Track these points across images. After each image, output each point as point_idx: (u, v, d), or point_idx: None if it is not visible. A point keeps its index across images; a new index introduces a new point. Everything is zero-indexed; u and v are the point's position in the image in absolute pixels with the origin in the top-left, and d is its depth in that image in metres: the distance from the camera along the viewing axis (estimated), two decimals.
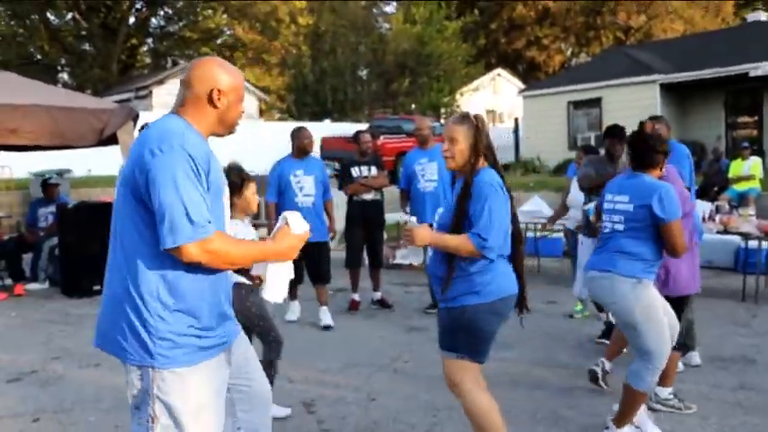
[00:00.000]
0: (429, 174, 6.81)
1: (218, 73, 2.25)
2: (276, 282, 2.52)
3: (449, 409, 4.10)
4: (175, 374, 2.12)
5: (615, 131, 5.55)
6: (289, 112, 32.02)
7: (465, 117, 3.11)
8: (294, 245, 2.36)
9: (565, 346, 5.64)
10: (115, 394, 4.41)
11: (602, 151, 5.82)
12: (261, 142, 18.66)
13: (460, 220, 3.01)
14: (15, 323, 6.73)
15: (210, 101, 2.24)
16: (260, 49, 36.10)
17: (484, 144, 3.07)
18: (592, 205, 5.40)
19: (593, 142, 18.14)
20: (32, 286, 8.35)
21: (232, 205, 2.95)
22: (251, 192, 3.60)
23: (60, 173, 15.65)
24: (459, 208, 3.02)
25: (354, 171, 7.01)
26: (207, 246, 2.08)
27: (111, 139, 8.03)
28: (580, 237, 6.04)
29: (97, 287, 7.73)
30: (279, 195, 6.39)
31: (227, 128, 2.31)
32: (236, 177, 3.52)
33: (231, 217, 2.60)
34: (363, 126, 20.53)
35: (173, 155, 2.08)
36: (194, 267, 2.13)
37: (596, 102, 19.96)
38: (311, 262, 6.40)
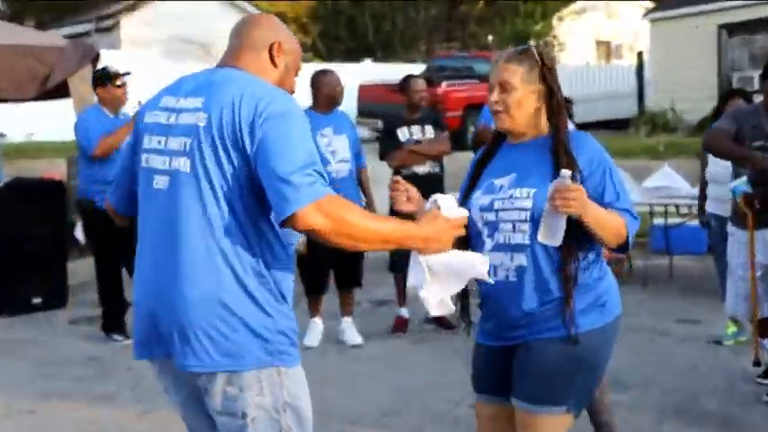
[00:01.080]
0: None
1: (281, 27, 2.77)
2: (433, 287, 2.71)
3: None
4: (298, 373, 2.61)
5: None
6: (314, 50, 32.17)
7: (523, 51, 3.09)
8: (447, 232, 2.63)
9: (709, 387, 5.57)
10: None
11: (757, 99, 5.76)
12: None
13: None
14: None
15: (271, 57, 2.69)
16: None
17: (556, 93, 3.06)
18: (741, 181, 5.30)
19: (756, 85, 17.73)
20: None
21: None
22: None
23: None
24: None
25: (402, 133, 7.08)
26: (325, 207, 2.39)
27: (60, 91, 8.17)
28: (729, 227, 5.88)
29: (38, 300, 7.87)
30: None
31: None
32: None
33: None
34: (419, 68, 20.49)
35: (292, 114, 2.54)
36: (289, 249, 2.61)
37: (763, 24, 19.58)
38: (339, 257, 6.45)
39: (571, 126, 11.79)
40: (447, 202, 2.68)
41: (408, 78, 7.39)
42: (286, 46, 2.71)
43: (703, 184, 7.01)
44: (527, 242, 2.96)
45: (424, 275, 2.69)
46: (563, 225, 2.89)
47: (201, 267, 2.49)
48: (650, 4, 28.77)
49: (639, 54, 23.71)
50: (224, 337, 2.48)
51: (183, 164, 2.51)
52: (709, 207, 6.86)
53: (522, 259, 2.98)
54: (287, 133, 2.46)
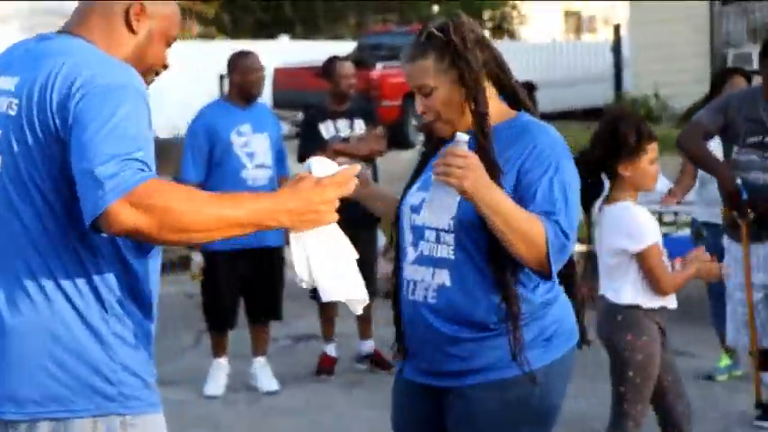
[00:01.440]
0: None
1: None
2: (324, 269, 2.51)
3: None
4: (153, 424, 2.51)
5: None
6: (217, 23, 32.03)
7: (426, 38, 2.98)
8: (320, 195, 2.41)
9: (702, 430, 5.54)
10: None
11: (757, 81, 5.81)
12: (165, 80, 18.73)
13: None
14: None
15: (128, 22, 2.53)
16: None
17: (488, 64, 2.99)
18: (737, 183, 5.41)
19: (755, 63, 18.02)
20: None
21: None
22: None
23: None
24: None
25: (326, 128, 7.08)
26: (139, 198, 2.23)
27: None
28: (725, 240, 5.95)
29: None
30: (210, 168, 6.56)
31: (140, 70, 2.54)
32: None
33: None
34: (347, 47, 20.50)
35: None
36: (146, 264, 2.52)
37: None
38: (252, 284, 6.55)
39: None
40: (321, 164, 2.52)
41: (334, 60, 7.34)
42: (151, 8, 2.55)
43: (686, 177, 7.02)
44: (451, 257, 2.93)
45: (304, 261, 2.50)
46: (453, 203, 2.84)
47: (22, 290, 2.40)
48: None
49: (616, 28, 24.12)
50: (51, 376, 2.40)
51: None
52: (700, 214, 6.87)
53: (444, 277, 2.96)
54: (101, 114, 2.29)
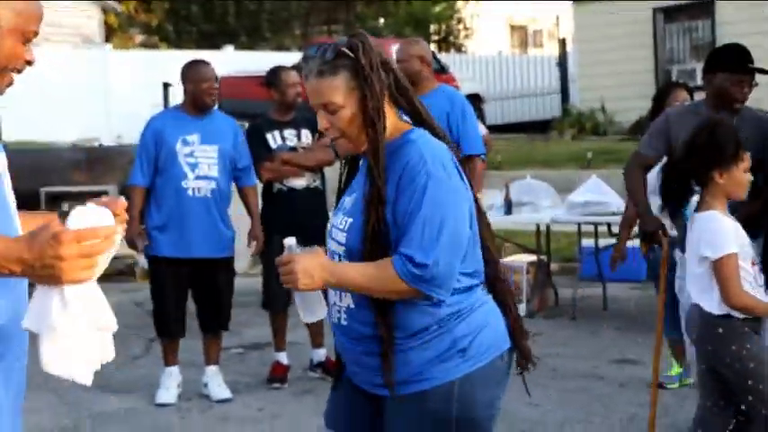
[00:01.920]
0: None
1: None
2: (53, 336, 2.20)
3: None
4: None
5: (725, 57, 5.57)
6: (160, 33, 31.89)
7: (335, 54, 2.99)
8: (57, 252, 2.13)
9: None
10: None
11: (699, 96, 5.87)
12: (110, 89, 18.54)
13: (376, 235, 2.93)
14: None
15: None
16: None
17: (391, 86, 3.01)
18: (693, 201, 5.41)
19: (699, 79, 18.25)
20: None
21: None
22: None
23: None
24: (370, 207, 2.94)
25: (273, 138, 7.03)
26: None
27: None
28: (677, 253, 6.03)
29: None
30: (154, 175, 6.57)
31: None
32: None
33: None
34: (293, 57, 20.47)
35: None
36: None
37: (706, 8, 20.17)
38: (200, 294, 6.57)
39: (483, 130, 12.13)
40: (81, 211, 2.21)
41: (278, 70, 7.27)
42: None
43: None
44: None
45: (48, 314, 2.20)
46: (318, 298, 3.05)
47: None
48: None
49: (562, 42, 24.20)
50: None
51: None
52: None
53: (348, 299, 3.04)
54: None
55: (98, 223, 2.19)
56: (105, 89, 19.11)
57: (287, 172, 6.98)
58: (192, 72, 6.60)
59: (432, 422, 3.02)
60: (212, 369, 6.71)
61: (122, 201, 2.38)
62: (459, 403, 3.00)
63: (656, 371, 5.64)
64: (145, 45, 31.26)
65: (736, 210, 5.40)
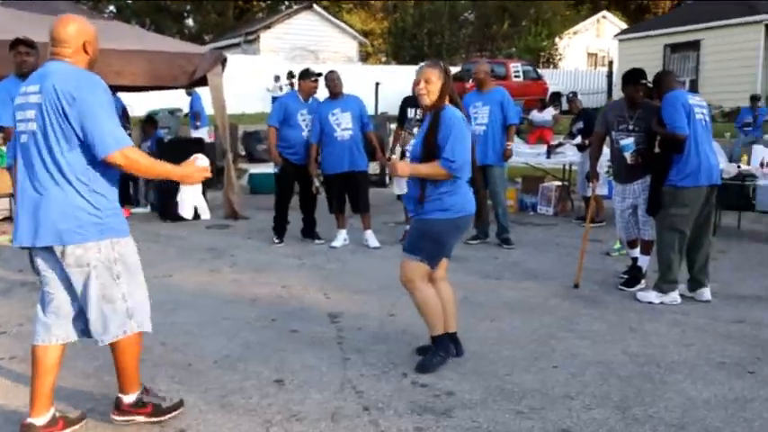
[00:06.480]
0: (481, 117, 6.72)
1: (86, 25, 2.85)
2: (186, 202, 3.29)
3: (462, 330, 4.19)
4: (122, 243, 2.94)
5: (630, 76, 5.34)
6: (390, 56, 32.01)
7: (437, 63, 3.58)
8: (192, 172, 2.94)
9: (590, 280, 5.66)
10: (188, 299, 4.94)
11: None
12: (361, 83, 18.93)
13: (431, 149, 3.44)
14: None
15: (85, 49, 2.82)
16: None
17: (450, 86, 3.51)
18: (630, 140, 5.23)
19: (687, 86, 17.26)
20: (137, 210, 9.16)
21: None
22: None
23: (172, 111, 16.71)
24: (428, 138, 3.46)
25: (411, 111, 6.78)
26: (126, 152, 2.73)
27: (202, 81, 8.61)
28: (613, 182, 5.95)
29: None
30: (321, 134, 6.65)
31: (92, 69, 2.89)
32: None
33: None
34: (455, 69, 20.38)
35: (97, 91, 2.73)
36: (108, 173, 2.84)
37: (694, 45, 18.84)
38: (351, 191, 6.66)
39: (554, 112, 11.91)
40: (201, 156, 3.01)
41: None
42: (91, 38, 2.86)
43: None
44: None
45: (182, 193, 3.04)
46: (404, 182, 3.72)
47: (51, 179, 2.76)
48: (624, 26, 27.91)
49: (610, 63, 23.11)
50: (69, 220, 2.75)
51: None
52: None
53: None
54: None
55: (204, 162, 3.01)
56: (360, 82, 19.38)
57: (410, 139, 6.48)
58: (326, 78, 6.69)
59: (422, 229, 3.58)
60: (368, 231, 6.82)
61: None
62: (434, 228, 3.54)
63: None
64: (384, 62, 31.43)
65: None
